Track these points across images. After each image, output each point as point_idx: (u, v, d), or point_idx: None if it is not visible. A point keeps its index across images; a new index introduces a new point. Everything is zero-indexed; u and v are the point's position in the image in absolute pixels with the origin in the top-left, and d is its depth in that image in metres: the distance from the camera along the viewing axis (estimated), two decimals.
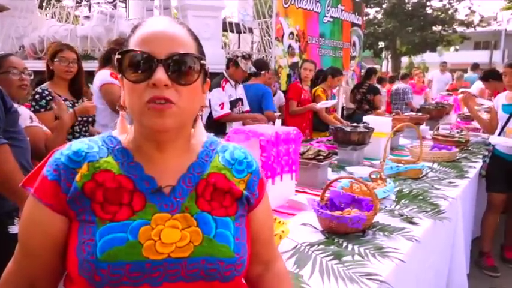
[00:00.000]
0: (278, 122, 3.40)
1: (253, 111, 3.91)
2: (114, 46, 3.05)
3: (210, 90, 3.37)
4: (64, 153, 0.77)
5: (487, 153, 3.25)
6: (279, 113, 4.14)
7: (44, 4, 6.29)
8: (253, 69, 3.92)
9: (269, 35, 5.58)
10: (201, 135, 0.87)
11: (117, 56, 0.74)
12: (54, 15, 5.92)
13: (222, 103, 3.56)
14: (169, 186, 0.77)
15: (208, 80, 0.82)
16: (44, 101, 2.40)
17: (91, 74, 3.68)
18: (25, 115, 2.00)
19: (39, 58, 4.23)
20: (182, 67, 0.73)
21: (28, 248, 0.78)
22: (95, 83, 2.87)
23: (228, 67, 3.76)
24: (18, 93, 2.04)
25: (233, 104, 3.71)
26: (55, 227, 0.75)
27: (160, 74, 0.70)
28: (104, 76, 2.81)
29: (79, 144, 0.79)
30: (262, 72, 4.09)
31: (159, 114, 0.71)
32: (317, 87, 4.63)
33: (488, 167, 3.16)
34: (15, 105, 1.90)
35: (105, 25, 4.64)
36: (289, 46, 5.16)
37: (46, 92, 2.41)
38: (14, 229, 1.62)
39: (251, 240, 0.86)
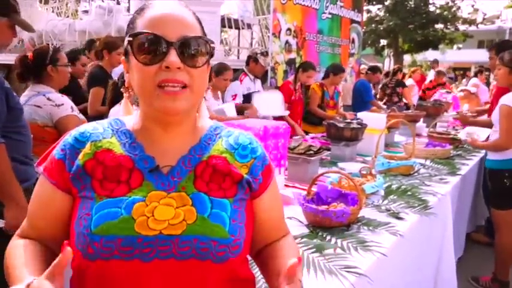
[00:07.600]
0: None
1: None
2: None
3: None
4: (72, 134, 0.81)
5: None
6: None
7: None
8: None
9: (269, 31, 5.58)
10: (206, 118, 0.89)
11: (128, 39, 0.75)
12: (54, 10, 5.94)
13: (235, 94, 3.93)
14: (168, 166, 0.79)
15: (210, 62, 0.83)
16: None
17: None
18: (67, 105, 2.19)
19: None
20: (194, 50, 0.75)
21: (32, 221, 0.83)
22: None
23: (248, 63, 4.21)
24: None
25: (250, 96, 4.07)
26: (58, 204, 0.79)
27: (174, 57, 0.72)
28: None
29: (86, 126, 0.83)
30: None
31: (171, 97, 0.73)
32: (315, 82, 4.60)
33: None
34: (60, 95, 2.18)
35: (103, 20, 4.66)
36: (287, 42, 5.15)
37: None
38: None
39: (258, 226, 0.87)
